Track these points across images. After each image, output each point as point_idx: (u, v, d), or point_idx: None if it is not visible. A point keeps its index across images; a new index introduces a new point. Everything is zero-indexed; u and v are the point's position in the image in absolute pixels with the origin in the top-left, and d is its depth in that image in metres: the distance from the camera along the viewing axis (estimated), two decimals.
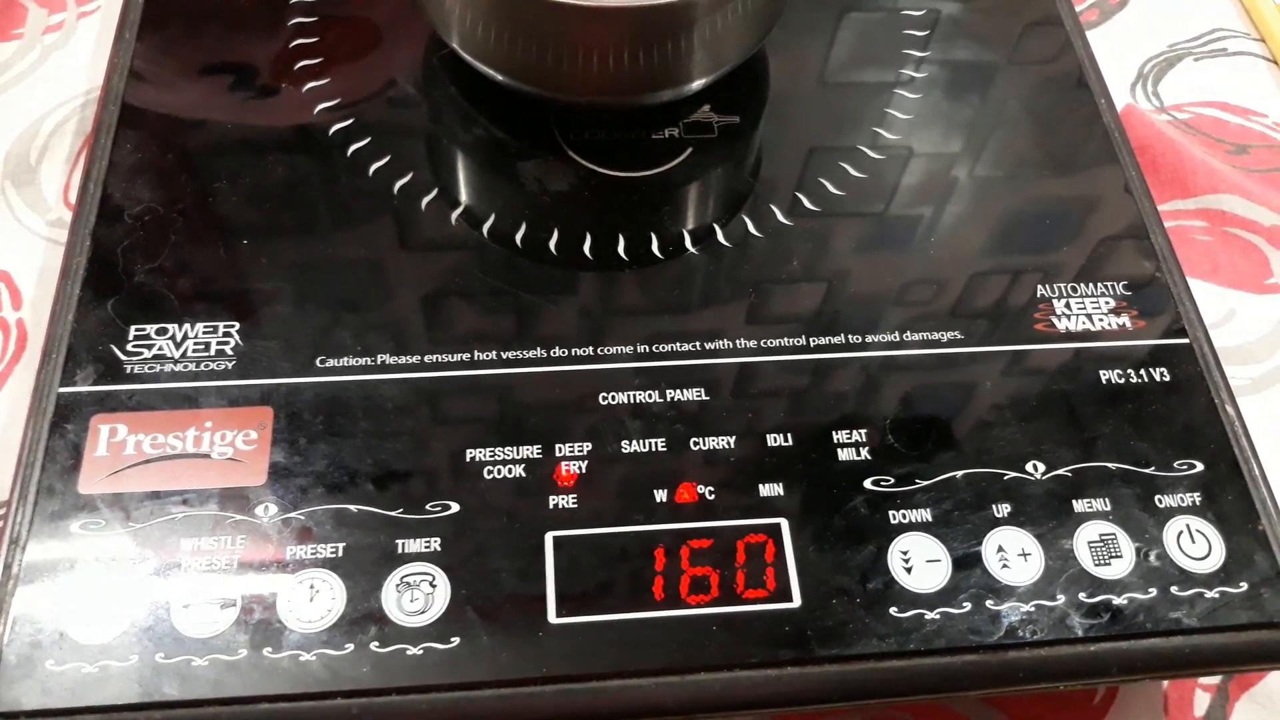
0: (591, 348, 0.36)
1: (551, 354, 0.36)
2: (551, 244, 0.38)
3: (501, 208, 0.39)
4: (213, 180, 0.39)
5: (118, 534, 0.31)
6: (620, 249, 0.38)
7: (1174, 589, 0.32)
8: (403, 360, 0.35)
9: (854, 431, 0.35)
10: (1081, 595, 0.32)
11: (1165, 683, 0.38)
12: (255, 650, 0.30)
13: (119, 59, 0.42)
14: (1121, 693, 0.38)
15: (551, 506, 0.33)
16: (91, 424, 0.33)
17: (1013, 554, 0.33)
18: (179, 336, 0.35)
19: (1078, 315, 0.38)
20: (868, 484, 0.34)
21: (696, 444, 0.34)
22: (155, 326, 0.35)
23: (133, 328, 0.35)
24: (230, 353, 0.35)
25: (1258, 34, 0.54)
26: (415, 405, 0.34)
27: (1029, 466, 0.34)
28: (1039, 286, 0.38)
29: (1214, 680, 0.38)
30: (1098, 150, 0.42)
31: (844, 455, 0.34)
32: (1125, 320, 0.38)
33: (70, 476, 0.32)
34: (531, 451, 0.34)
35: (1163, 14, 0.54)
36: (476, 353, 0.35)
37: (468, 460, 0.33)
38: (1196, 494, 0.34)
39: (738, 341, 0.36)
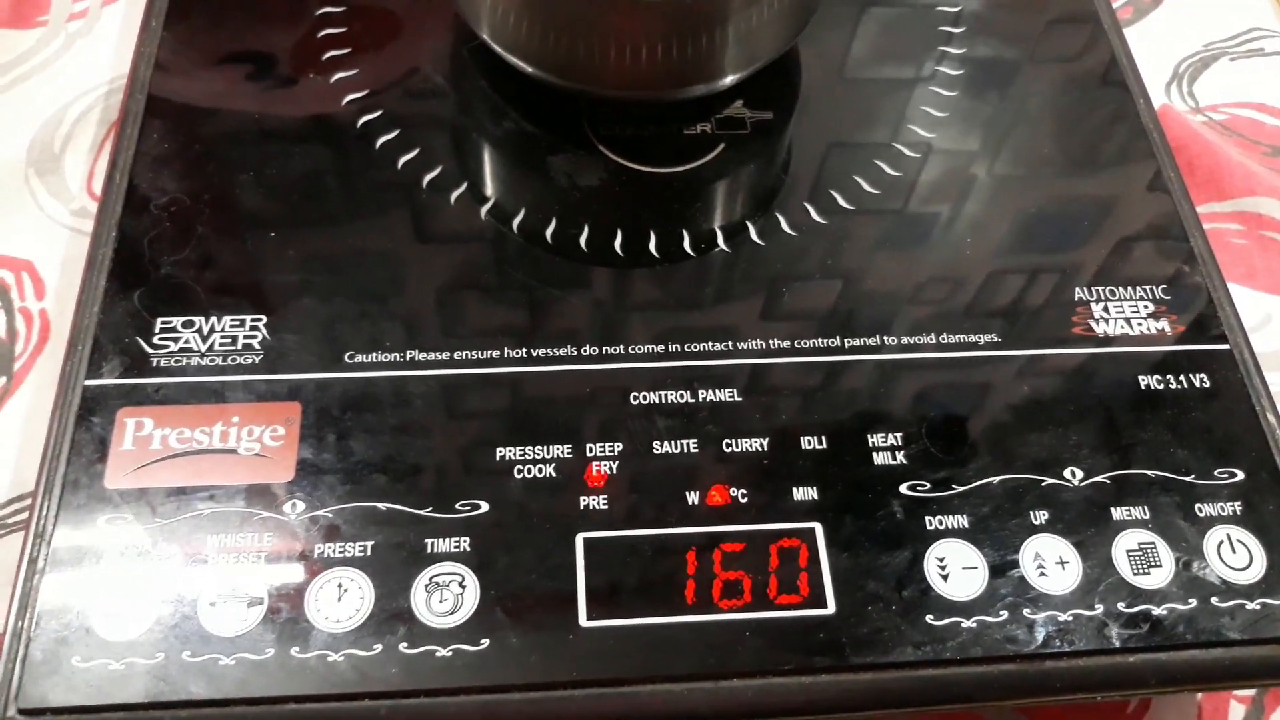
0: (622, 346, 0.35)
1: (582, 352, 0.35)
2: (582, 240, 0.38)
3: (531, 203, 0.39)
4: (240, 171, 0.38)
5: (144, 529, 0.31)
6: (652, 246, 0.38)
7: (1214, 600, 0.32)
8: (432, 357, 0.35)
9: (889, 435, 0.34)
10: (1120, 605, 0.32)
11: (1200, 693, 0.38)
12: (282, 649, 0.29)
13: (145, 47, 0.41)
14: (1155, 703, 0.37)
15: (583, 507, 0.32)
16: (118, 417, 0.33)
17: (1050, 562, 0.32)
18: (205, 329, 0.35)
19: (1116, 319, 0.37)
20: (904, 489, 0.33)
21: (729, 445, 0.34)
22: (182, 319, 0.35)
23: (159, 320, 0.35)
24: (257, 346, 0.35)
25: None
26: (445, 402, 0.34)
27: (1066, 473, 0.34)
28: (1077, 289, 0.38)
29: (1249, 691, 0.38)
30: (1135, 150, 0.42)
31: (879, 459, 0.34)
32: (1164, 324, 0.37)
33: (96, 470, 0.32)
34: (562, 451, 0.33)
35: (1199, 13, 0.53)
36: (506, 350, 0.35)
37: (498, 459, 0.33)
38: (1237, 503, 0.34)
39: (771, 341, 0.36)
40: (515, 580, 0.31)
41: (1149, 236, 0.39)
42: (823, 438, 0.34)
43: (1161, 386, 0.36)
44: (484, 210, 0.38)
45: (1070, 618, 0.31)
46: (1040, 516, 0.33)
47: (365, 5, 0.44)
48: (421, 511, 0.32)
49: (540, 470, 0.33)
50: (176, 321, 0.35)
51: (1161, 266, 0.38)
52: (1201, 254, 0.39)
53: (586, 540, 0.32)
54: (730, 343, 0.36)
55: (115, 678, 0.29)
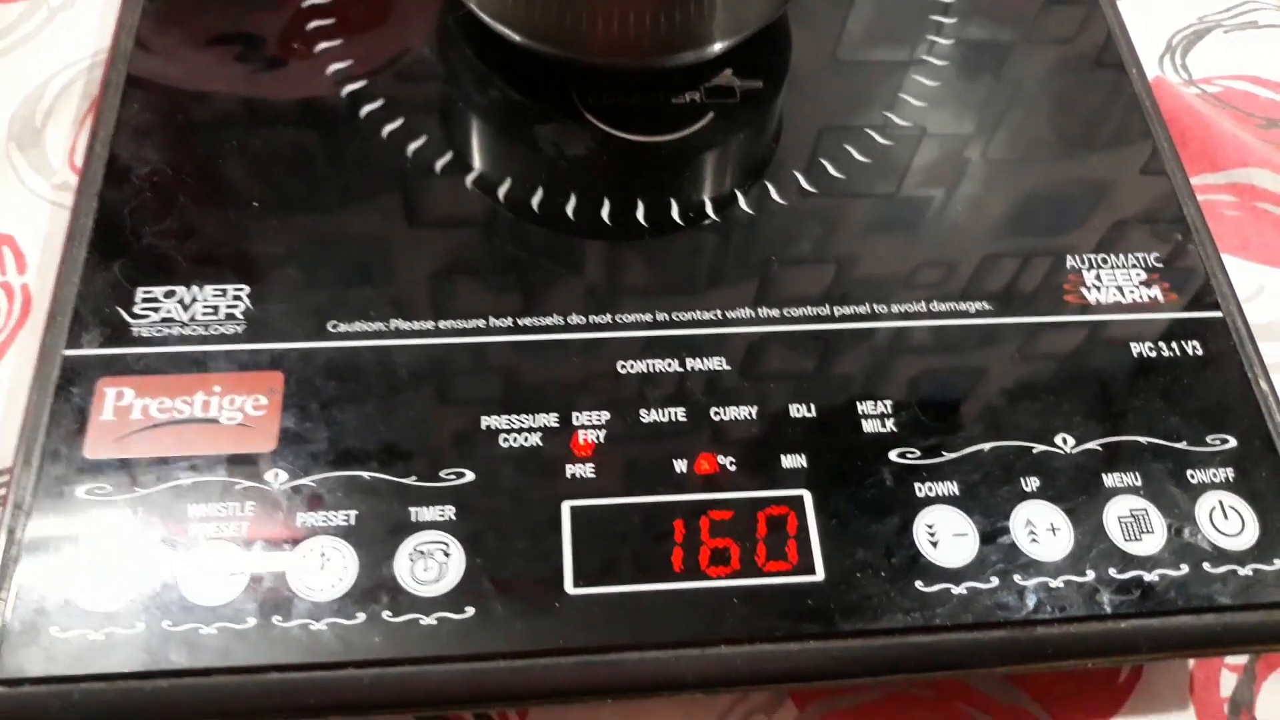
0: (610, 315, 0.35)
1: (569, 321, 0.35)
2: (569, 209, 0.37)
3: (518, 172, 0.38)
4: (222, 142, 0.38)
5: (124, 499, 0.31)
6: (640, 215, 0.37)
7: (1206, 565, 0.32)
8: (416, 326, 0.34)
9: (879, 402, 0.34)
10: (1112, 571, 0.31)
11: (1191, 662, 0.38)
12: (264, 619, 0.29)
13: (127, 18, 0.41)
14: (1146, 672, 0.37)
15: (569, 476, 0.32)
16: (97, 387, 0.33)
17: (1041, 529, 0.32)
18: (187, 299, 0.34)
19: (1108, 287, 0.37)
20: (893, 456, 0.33)
21: (717, 414, 0.33)
22: (163, 289, 0.34)
23: (140, 290, 0.34)
24: (240, 316, 0.34)
25: None
26: (429, 372, 0.33)
27: (1058, 440, 0.33)
28: (1068, 257, 0.37)
29: (1241, 660, 0.38)
30: (1128, 120, 0.41)
31: (869, 427, 0.33)
32: (1156, 292, 0.37)
33: (76, 441, 0.32)
34: (548, 420, 0.33)
35: None
36: (492, 319, 0.35)
37: (483, 428, 0.32)
38: (1229, 469, 0.33)
39: (760, 310, 0.35)
40: (501, 548, 0.31)
41: (1142, 205, 0.39)
42: (812, 406, 0.34)
43: (1154, 354, 0.35)
44: (470, 180, 0.38)
45: (1061, 584, 0.31)
46: (1031, 483, 0.33)
47: None
48: (406, 480, 0.31)
49: (526, 439, 0.32)
50: (158, 291, 0.34)
51: (1154, 235, 0.38)
52: (1195, 222, 0.38)
53: (573, 508, 0.31)
54: (719, 312, 0.35)
55: (95, 648, 0.28)
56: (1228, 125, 0.48)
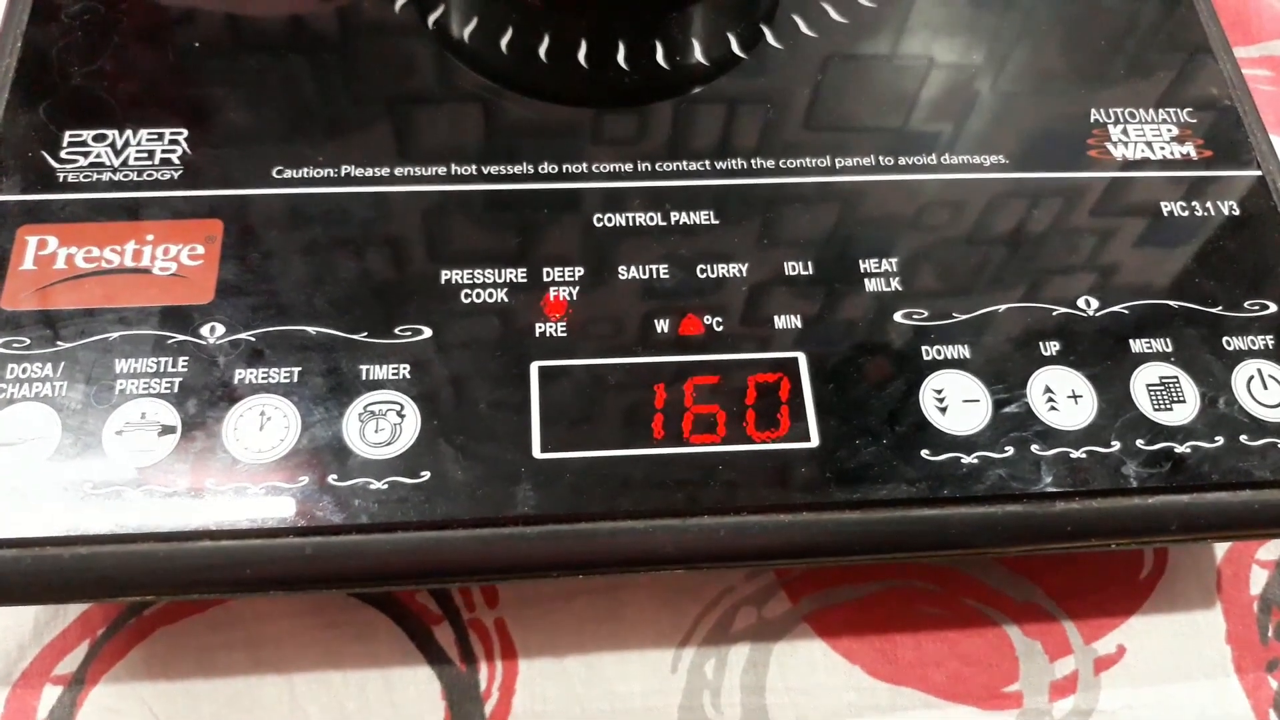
0: (586, 164, 0.32)
1: (540, 170, 0.31)
2: (541, 50, 0.34)
3: (485, 10, 0.34)
4: None
5: (44, 354, 0.28)
6: (620, 56, 0.34)
7: (1243, 438, 0.29)
8: (370, 173, 0.31)
9: (883, 260, 0.30)
10: (1139, 442, 0.28)
11: (1219, 557, 0.35)
12: (196, 482, 0.26)
13: None
14: (1171, 566, 0.34)
15: (538, 334, 0.29)
16: (17, 235, 0.29)
17: (1061, 396, 0.29)
18: (119, 143, 0.31)
19: (1136, 142, 0.33)
20: (898, 317, 0.30)
21: (704, 271, 0.30)
22: (93, 132, 0.31)
23: (67, 133, 0.31)
24: (177, 161, 0.31)
25: None
26: (384, 221, 0.30)
27: (1080, 302, 0.30)
28: (1093, 110, 0.34)
29: (1272, 555, 0.35)
30: None
31: (871, 285, 0.30)
32: (1189, 149, 0.33)
33: None
34: (516, 275, 0.30)
35: None
36: (454, 166, 0.31)
37: (443, 282, 0.29)
38: (1269, 337, 0.30)
39: (754, 160, 0.32)
40: (461, 410, 0.28)
41: (1174, 58, 0.35)
42: (809, 263, 0.30)
43: (1186, 214, 0.32)
44: (433, 18, 0.34)
45: (1083, 455, 0.28)
46: (1051, 348, 0.29)
47: None
48: (356, 336, 0.28)
49: (491, 295, 0.29)
50: (87, 135, 0.31)
51: (1187, 88, 0.35)
52: (1231, 77, 0.35)
53: (542, 368, 0.28)
54: (707, 161, 0.32)
55: (11, 511, 0.26)
56: None
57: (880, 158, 0.32)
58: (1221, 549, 0.35)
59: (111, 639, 0.32)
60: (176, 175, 0.31)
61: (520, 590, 0.33)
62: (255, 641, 0.32)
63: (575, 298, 0.29)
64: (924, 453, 0.28)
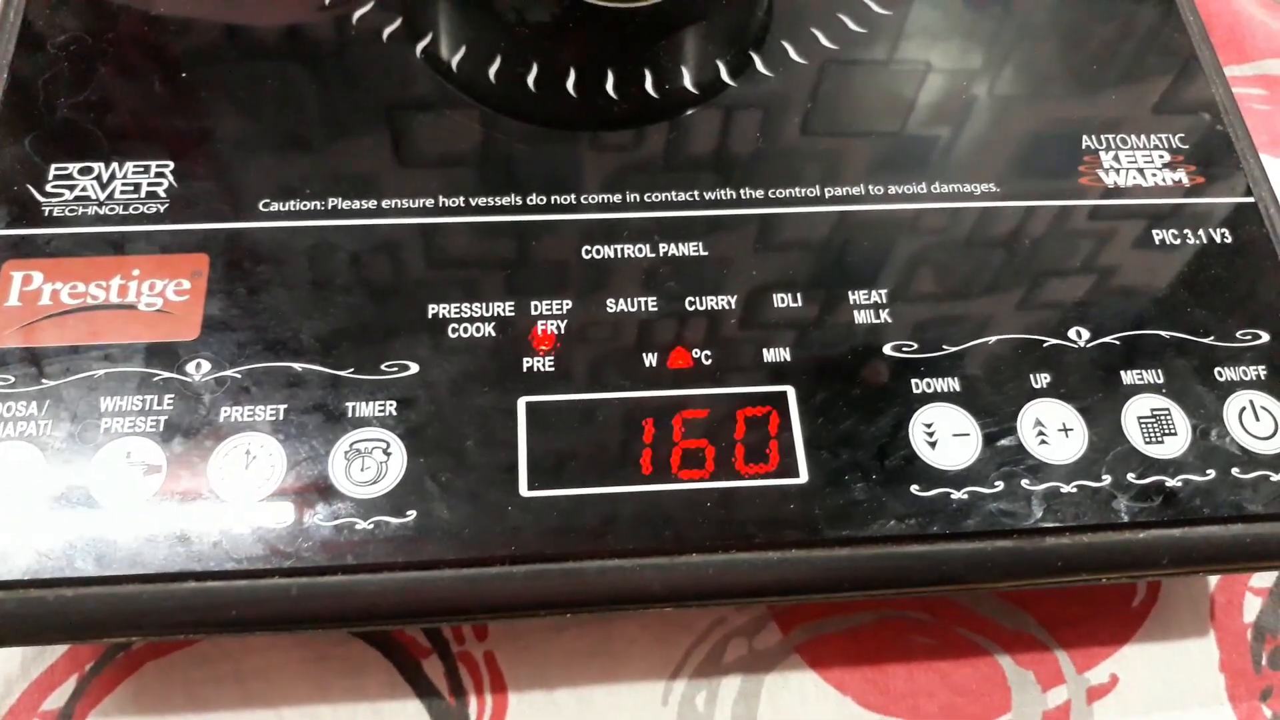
0: (574, 196, 0.31)
1: (528, 202, 0.31)
2: (530, 80, 0.34)
3: (473, 40, 0.34)
4: (147, 8, 0.34)
5: (29, 392, 0.27)
6: (609, 86, 0.33)
7: (1235, 471, 0.28)
8: (358, 205, 0.31)
9: (872, 292, 0.30)
10: (1130, 476, 0.28)
11: (1212, 586, 0.34)
12: (180, 522, 0.26)
13: None
14: (1164, 595, 0.34)
15: (526, 369, 0.29)
16: (2, 270, 0.29)
17: (1052, 429, 0.29)
18: (105, 176, 0.31)
19: (1128, 169, 0.33)
20: (887, 349, 0.29)
21: (692, 304, 0.30)
22: (79, 165, 0.31)
23: (53, 166, 0.31)
24: (163, 195, 0.31)
25: None
26: (371, 255, 0.30)
27: (1071, 333, 0.30)
28: (1084, 137, 0.34)
29: (1266, 582, 0.35)
30: None
31: (861, 318, 0.30)
32: (1181, 176, 0.33)
33: None
34: (504, 309, 0.30)
35: None
36: (442, 199, 0.31)
37: (430, 317, 0.29)
38: (1261, 367, 0.30)
39: (742, 191, 0.32)
40: (447, 447, 0.27)
41: (1165, 82, 0.35)
42: (797, 295, 0.30)
43: (1178, 241, 0.32)
44: (420, 48, 0.34)
45: (1074, 489, 0.28)
46: (1042, 380, 0.29)
47: None
48: (342, 373, 0.28)
49: (479, 329, 0.29)
50: (73, 168, 0.31)
51: (1179, 114, 0.34)
52: (1224, 103, 0.35)
53: (530, 404, 0.28)
54: (696, 193, 0.32)
55: None
56: (1256, 11, 0.44)
57: (870, 187, 0.32)
58: (1215, 577, 0.35)
59: (99, 674, 0.32)
60: (163, 209, 0.30)
61: (510, 623, 0.33)
62: (244, 675, 0.32)
63: (563, 331, 0.29)
64: (914, 488, 0.28)
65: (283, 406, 0.28)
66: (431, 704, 0.32)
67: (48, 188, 0.31)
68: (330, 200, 0.31)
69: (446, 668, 0.32)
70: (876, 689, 0.33)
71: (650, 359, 0.29)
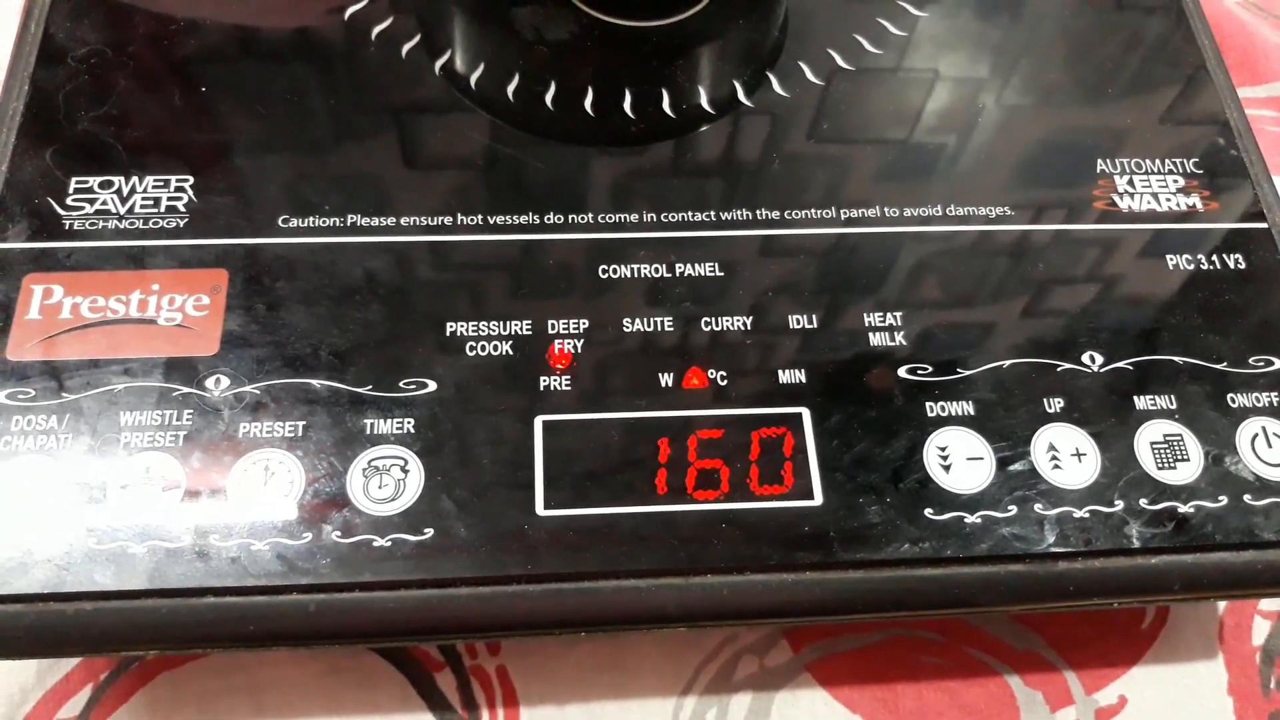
0: (591, 215, 0.32)
1: (546, 220, 0.31)
2: (548, 99, 0.34)
3: (492, 58, 0.35)
4: (168, 21, 0.34)
5: (49, 406, 0.28)
6: (626, 106, 0.34)
7: (1247, 497, 0.29)
8: (376, 222, 0.31)
9: (888, 314, 0.30)
10: (1143, 501, 0.28)
11: (1222, 608, 0.35)
12: (200, 537, 0.26)
13: None
14: (1173, 617, 0.34)
15: (543, 388, 0.29)
16: (23, 284, 0.29)
17: (1065, 454, 0.29)
18: (125, 190, 0.31)
19: (1142, 193, 0.33)
20: (902, 372, 0.30)
21: (708, 324, 0.30)
22: (99, 179, 0.31)
23: (74, 180, 0.31)
24: (182, 209, 0.31)
25: None
26: (390, 272, 0.30)
27: (1085, 358, 0.30)
28: (1099, 161, 0.34)
29: (1275, 606, 0.35)
30: (1167, 18, 0.38)
31: (876, 340, 0.30)
32: (1195, 201, 0.33)
33: None
34: (521, 328, 0.30)
35: None
36: (460, 216, 0.31)
37: (448, 334, 0.29)
38: (1274, 394, 0.30)
39: (758, 212, 0.32)
40: (465, 465, 0.28)
41: (1180, 108, 0.35)
42: (813, 316, 0.30)
43: (1191, 267, 0.32)
44: (438, 65, 0.34)
45: (1086, 514, 0.28)
46: (1055, 404, 0.29)
47: None
48: (361, 390, 0.28)
49: (496, 348, 0.29)
50: (93, 181, 0.31)
51: (1193, 139, 0.35)
52: (1238, 126, 0.35)
53: (546, 423, 0.28)
54: (712, 213, 0.32)
55: (14, 566, 0.26)
56: (1270, 34, 0.44)
57: (885, 208, 0.32)
58: (1224, 601, 0.35)
59: (114, 684, 0.32)
60: (182, 223, 0.31)
61: (523, 638, 0.33)
62: (258, 687, 0.32)
63: (580, 350, 0.30)
64: (928, 511, 0.28)
65: (301, 423, 0.28)
66: (444, 718, 0.32)
67: (68, 201, 0.31)
68: (349, 216, 0.31)
69: (459, 682, 0.32)
70: (886, 708, 0.33)
71: (666, 378, 0.29)
